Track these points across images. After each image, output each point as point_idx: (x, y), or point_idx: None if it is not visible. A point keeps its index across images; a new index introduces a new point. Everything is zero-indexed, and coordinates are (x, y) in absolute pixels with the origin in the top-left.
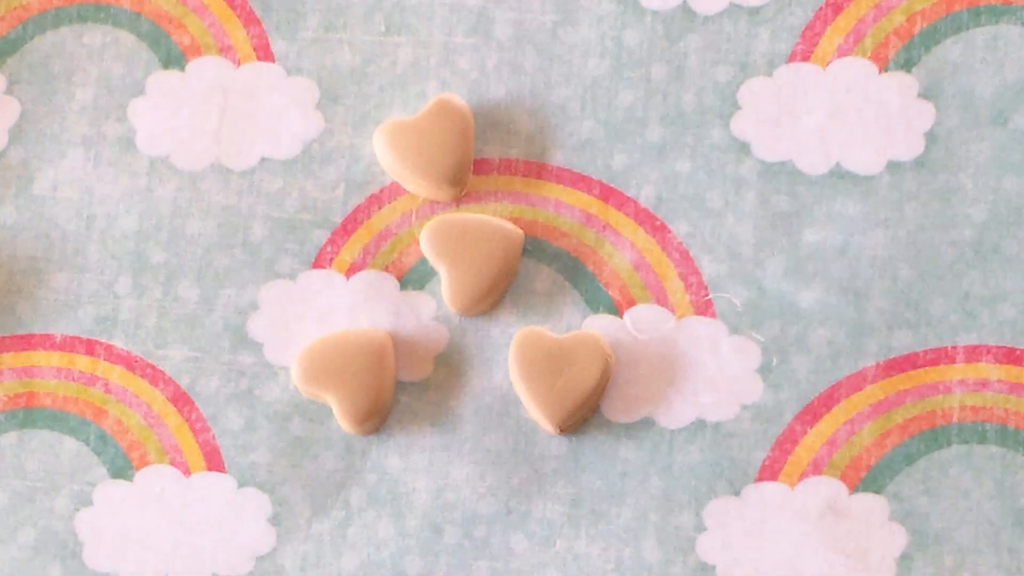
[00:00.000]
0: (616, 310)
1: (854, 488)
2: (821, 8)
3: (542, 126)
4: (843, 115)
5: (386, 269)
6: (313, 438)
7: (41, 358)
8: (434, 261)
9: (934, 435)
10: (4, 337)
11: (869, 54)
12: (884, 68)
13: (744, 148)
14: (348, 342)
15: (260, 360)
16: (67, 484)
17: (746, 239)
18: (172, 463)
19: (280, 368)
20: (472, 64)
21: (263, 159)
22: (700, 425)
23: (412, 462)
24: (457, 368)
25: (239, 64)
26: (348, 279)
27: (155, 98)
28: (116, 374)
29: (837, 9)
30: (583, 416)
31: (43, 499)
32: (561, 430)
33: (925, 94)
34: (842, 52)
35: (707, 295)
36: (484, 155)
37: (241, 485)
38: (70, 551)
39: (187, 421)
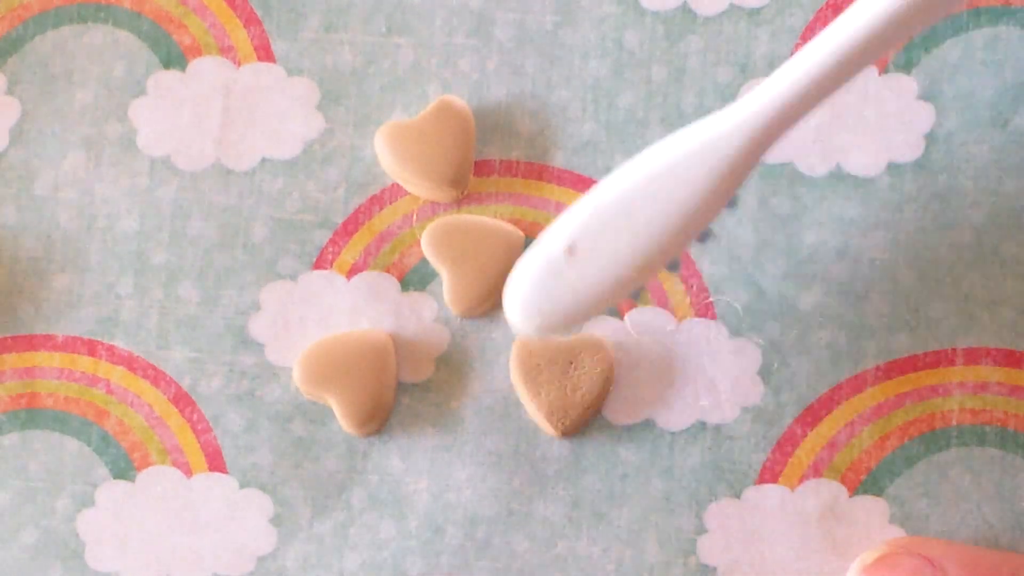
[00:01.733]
0: (617, 312)
1: (854, 491)
2: (821, 9)
3: (543, 127)
4: (843, 117)
5: (387, 270)
6: (314, 439)
7: (43, 359)
8: (435, 262)
9: (934, 437)
10: (5, 338)
11: None
12: (884, 69)
13: None
14: (349, 343)
15: (261, 361)
16: (69, 485)
17: (746, 241)
18: (174, 464)
19: (281, 369)
20: (473, 65)
21: (264, 159)
22: (701, 427)
23: (413, 463)
24: (458, 369)
25: (240, 64)
26: (349, 280)
27: (156, 98)
28: (118, 375)
29: (837, 10)
30: (585, 419)
31: (45, 499)
32: (563, 433)
33: (925, 95)
34: None
35: (708, 298)
36: (485, 156)
37: (243, 486)
38: (72, 551)
39: (189, 422)
